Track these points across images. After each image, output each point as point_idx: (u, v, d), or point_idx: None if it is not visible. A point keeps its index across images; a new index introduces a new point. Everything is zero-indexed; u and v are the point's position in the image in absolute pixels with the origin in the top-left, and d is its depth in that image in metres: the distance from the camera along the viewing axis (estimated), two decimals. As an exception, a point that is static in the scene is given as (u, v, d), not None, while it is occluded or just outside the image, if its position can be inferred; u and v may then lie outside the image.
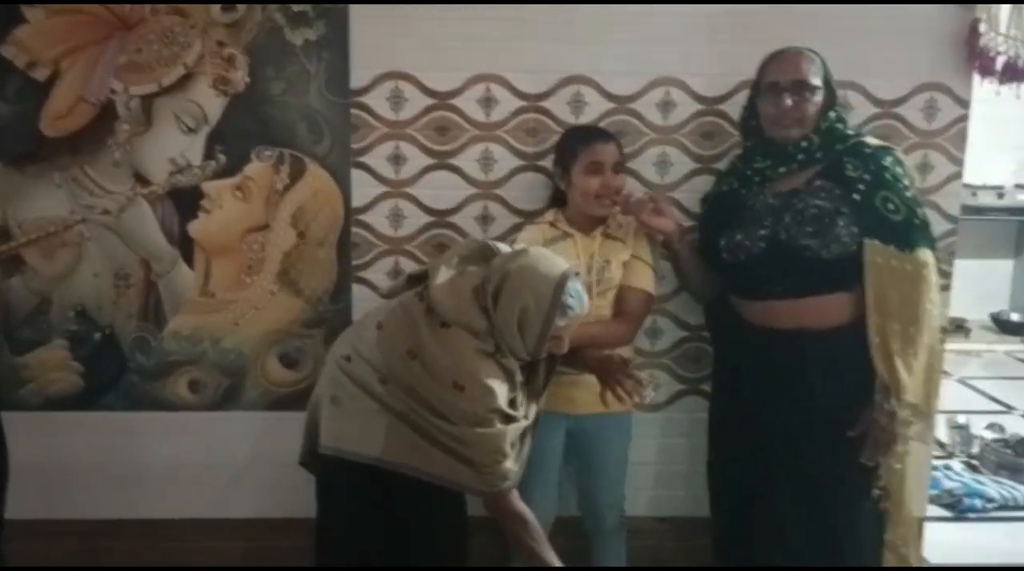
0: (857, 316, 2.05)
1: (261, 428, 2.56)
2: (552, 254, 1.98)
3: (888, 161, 2.07)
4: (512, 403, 1.90)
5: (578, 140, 2.27)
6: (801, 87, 2.08)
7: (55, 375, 2.53)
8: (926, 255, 2.01)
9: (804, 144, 2.11)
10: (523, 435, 1.95)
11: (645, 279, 2.27)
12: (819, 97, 2.09)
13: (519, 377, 1.93)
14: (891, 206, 2.02)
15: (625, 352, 2.28)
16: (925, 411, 2.04)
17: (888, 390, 2.00)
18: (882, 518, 2.10)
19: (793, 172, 2.12)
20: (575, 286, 1.89)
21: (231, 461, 2.57)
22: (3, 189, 2.42)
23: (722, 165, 2.45)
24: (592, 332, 2.17)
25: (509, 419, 1.87)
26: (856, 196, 2.03)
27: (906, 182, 2.07)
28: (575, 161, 2.24)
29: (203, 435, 2.56)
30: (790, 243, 2.05)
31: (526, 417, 1.95)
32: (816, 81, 2.09)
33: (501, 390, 1.85)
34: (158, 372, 2.54)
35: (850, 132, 2.15)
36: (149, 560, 2.53)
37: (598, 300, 2.23)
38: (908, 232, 2.02)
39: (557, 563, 1.94)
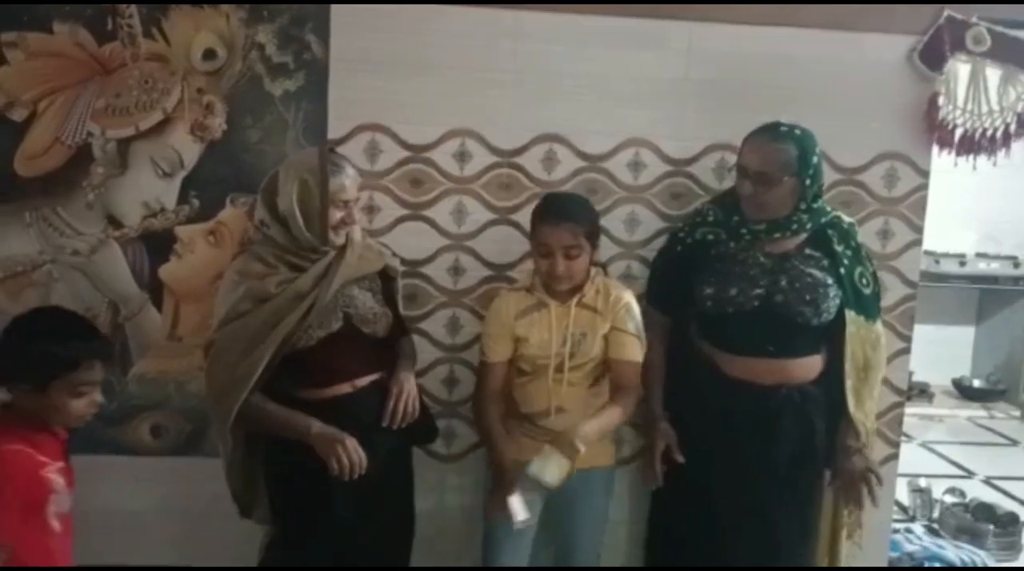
0: (822, 373, 2.25)
1: (223, 475, 2.51)
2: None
3: (859, 237, 2.31)
4: None
5: (536, 215, 2.21)
6: (762, 178, 2.15)
7: (15, 417, 2.49)
8: (880, 324, 2.30)
9: (795, 217, 2.20)
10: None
11: (632, 349, 2.23)
12: (784, 186, 2.15)
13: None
14: (864, 281, 2.26)
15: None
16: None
17: (861, 438, 2.23)
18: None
19: (785, 237, 2.22)
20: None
21: (191, 508, 2.52)
22: (-28, 228, 2.40)
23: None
24: (600, 425, 2.17)
25: None
26: (842, 270, 2.20)
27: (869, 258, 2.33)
28: (532, 236, 2.23)
29: (164, 481, 2.52)
30: (785, 307, 2.16)
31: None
32: (780, 173, 2.14)
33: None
34: (121, 416, 2.50)
35: (828, 208, 2.29)
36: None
37: (574, 373, 2.20)
38: (873, 304, 2.30)
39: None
